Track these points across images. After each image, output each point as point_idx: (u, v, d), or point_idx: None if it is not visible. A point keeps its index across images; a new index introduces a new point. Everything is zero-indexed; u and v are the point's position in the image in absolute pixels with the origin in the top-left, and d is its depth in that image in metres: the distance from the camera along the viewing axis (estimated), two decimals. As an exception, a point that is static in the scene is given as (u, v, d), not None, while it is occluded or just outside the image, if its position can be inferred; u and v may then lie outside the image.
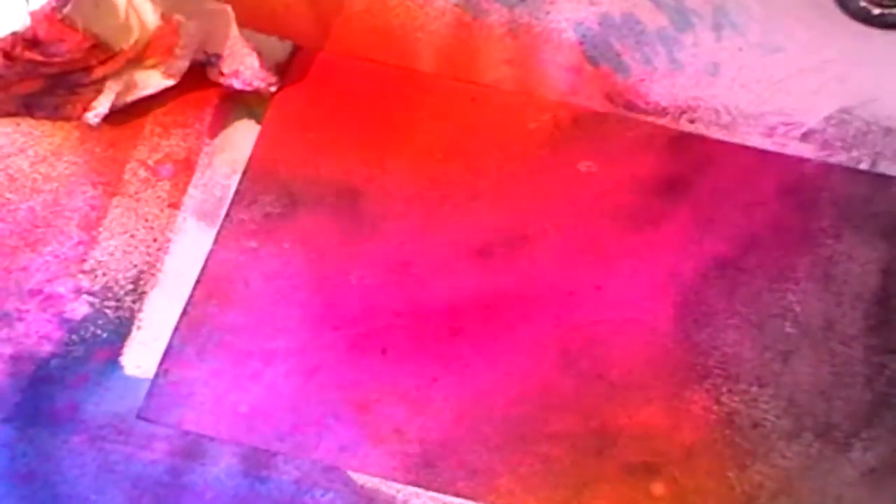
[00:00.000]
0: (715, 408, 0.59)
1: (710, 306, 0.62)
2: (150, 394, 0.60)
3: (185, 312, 0.62)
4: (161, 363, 0.61)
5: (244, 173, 0.66)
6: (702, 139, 0.66)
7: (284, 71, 0.70)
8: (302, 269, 0.63)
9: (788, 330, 0.61)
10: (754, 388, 0.60)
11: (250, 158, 0.67)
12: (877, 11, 0.69)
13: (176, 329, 0.62)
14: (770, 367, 0.60)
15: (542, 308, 0.62)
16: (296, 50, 0.71)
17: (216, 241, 0.64)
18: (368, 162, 0.66)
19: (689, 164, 0.66)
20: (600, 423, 0.59)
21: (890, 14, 0.69)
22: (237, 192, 0.66)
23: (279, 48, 0.71)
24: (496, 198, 0.65)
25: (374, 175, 0.66)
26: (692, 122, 0.67)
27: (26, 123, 0.69)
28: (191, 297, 0.63)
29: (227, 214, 0.65)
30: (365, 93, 0.69)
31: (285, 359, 0.61)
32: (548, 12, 0.72)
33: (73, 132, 0.69)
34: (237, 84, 0.69)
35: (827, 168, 0.65)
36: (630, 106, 0.68)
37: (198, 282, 0.63)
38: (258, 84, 0.69)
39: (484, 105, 0.68)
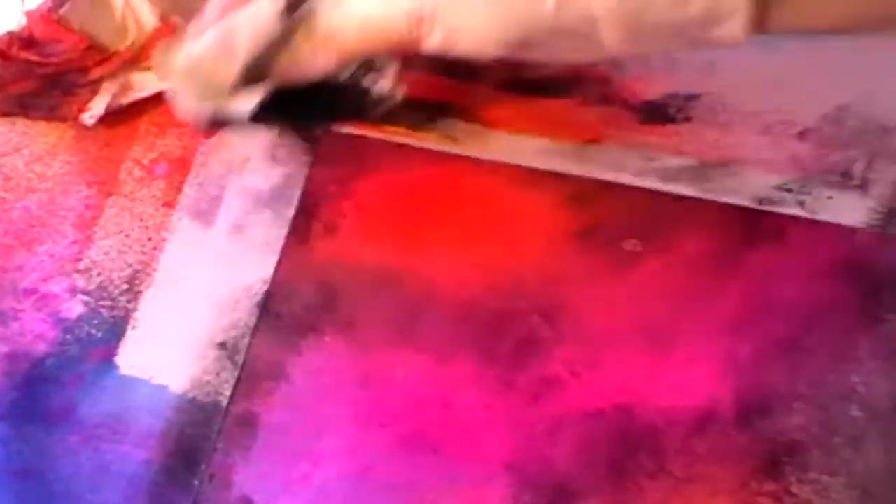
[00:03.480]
0: (786, 499, 0.56)
1: (772, 390, 0.58)
2: (197, 501, 0.59)
3: (227, 413, 0.60)
4: (207, 467, 0.59)
5: (279, 263, 0.64)
6: (749, 213, 0.63)
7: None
8: (345, 364, 0.61)
9: (855, 413, 0.57)
10: (825, 477, 0.56)
11: (283, 248, 0.64)
12: None
13: (220, 431, 0.60)
14: (840, 455, 0.56)
15: (594, 396, 0.59)
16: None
17: (254, 335, 0.62)
18: (408, 247, 0.64)
19: (737, 239, 0.63)
20: None
21: None
22: (273, 284, 0.63)
23: None
24: (541, 282, 0.62)
25: (414, 261, 0.64)
26: (688, 120, 0.67)
27: (21, 123, 0.69)
28: (232, 396, 0.61)
29: (266, 308, 0.63)
30: (400, 176, 0.66)
31: (334, 459, 0.59)
32: (544, 11, 0.72)
33: (68, 131, 0.69)
34: None
35: (882, 238, 0.62)
36: (627, 105, 0.68)
37: (238, 380, 0.61)
38: None
39: (521, 186, 0.65)
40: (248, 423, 0.60)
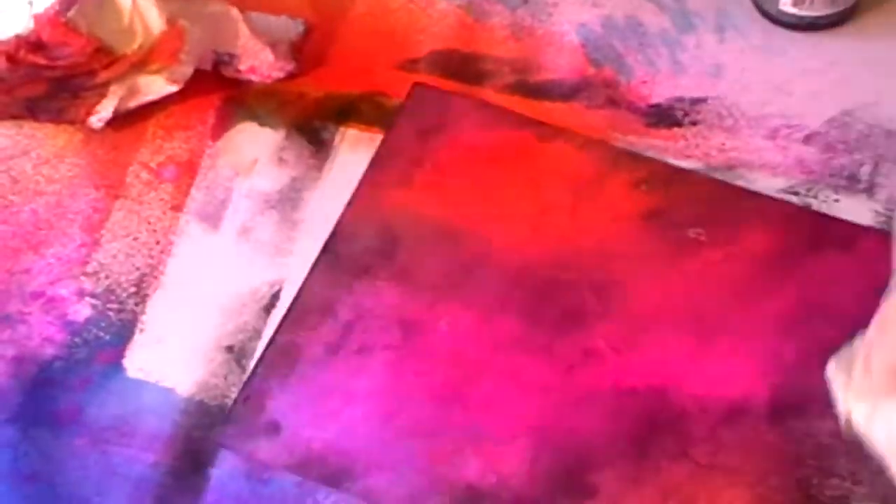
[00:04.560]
0: (803, 500, 0.56)
1: (810, 392, 0.57)
2: (228, 419, 0.59)
3: (272, 341, 0.61)
4: (243, 389, 0.60)
5: (348, 205, 0.65)
6: (821, 217, 0.63)
7: (299, 50, 0.70)
8: (392, 310, 0.62)
9: None
10: (847, 484, 0.56)
11: (356, 191, 0.65)
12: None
13: (261, 358, 0.61)
14: (867, 464, 0.55)
15: (630, 375, 0.59)
16: (309, 29, 0.71)
17: (312, 273, 0.63)
18: (474, 206, 0.64)
19: (802, 241, 0.62)
20: (679, 503, 0.56)
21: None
22: (339, 224, 0.64)
23: (291, 28, 0.71)
24: (598, 256, 0.62)
25: (476, 220, 0.64)
26: (694, 124, 0.67)
27: (29, 126, 0.69)
28: (280, 324, 0.62)
29: (326, 247, 0.63)
30: (481, 135, 0.67)
31: (365, 400, 0.59)
32: (550, 14, 0.72)
33: (76, 134, 0.69)
34: (255, 78, 0.69)
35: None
36: (633, 108, 0.68)
37: (290, 309, 0.62)
38: (276, 75, 0.69)
39: (597, 161, 0.66)
40: (290, 353, 0.61)
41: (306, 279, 0.63)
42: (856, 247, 0.62)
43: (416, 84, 0.69)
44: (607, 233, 0.64)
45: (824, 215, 0.64)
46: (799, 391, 0.58)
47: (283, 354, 0.61)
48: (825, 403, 0.56)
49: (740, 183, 0.65)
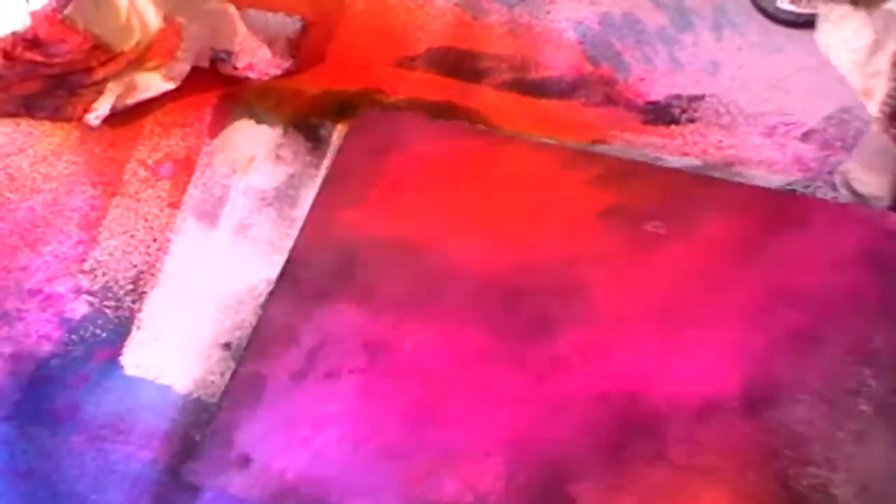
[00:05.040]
0: (782, 493, 0.55)
1: (780, 380, 0.57)
2: (197, 456, 0.59)
3: (236, 372, 0.61)
4: (210, 424, 0.59)
5: (302, 229, 0.64)
6: (777, 195, 0.63)
7: (297, 47, 0.70)
8: (355, 332, 0.61)
9: (863, 408, 0.56)
10: (824, 472, 0.55)
11: (308, 215, 0.65)
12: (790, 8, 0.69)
13: (226, 391, 0.60)
14: (843, 449, 0.55)
15: (600, 379, 0.59)
16: (307, 26, 0.71)
17: (271, 301, 0.62)
18: (430, 221, 0.64)
19: (762, 224, 0.61)
20: None
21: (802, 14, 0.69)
22: (295, 250, 0.64)
23: (289, 25, 0.71)
24: (559, 261, 0.62)
25: (434, 235, 0.63)
26: (692, 121, 0.67)
27: (26, 123, 0.69)
28: (244, 355, 0.61)
29: (283, 273, 0.63)
30: (430, 150, 0.66)
31: (336, 425, 0.59)
32: (548, 12, 0.72)
33: (72, 132, 0.69)
34: (253, 75, 0.69)
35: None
36: (631, 106, 0.68)
37: (251, 340, 0.61)
38: (274, 72, 0.69)
39: (548, 164, 0.65)
40: (255, 383, 0.60)
41: (266, 308, 0.62)
42: (813, 222, 0.61)
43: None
44: (567, 235, 0.63)
45: (778, 193, 0.63)
46: (769, 380, 0.58)
47: (248, 385, 0.60)
48: (797, 389, 0.56)
49: (738, 181, 0.65)
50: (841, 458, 0.56)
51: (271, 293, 0.63)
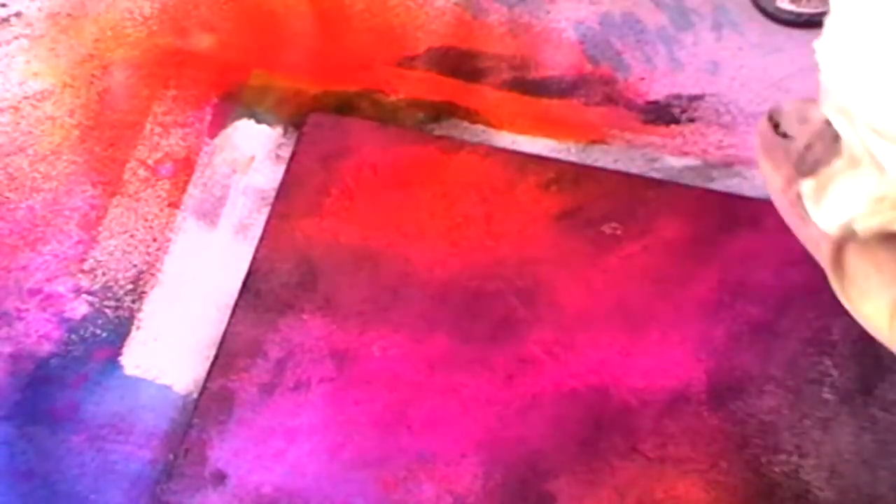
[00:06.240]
0: (756, 480, 0.57)
1: (745, 372, 0.59)
2: (171, 476, 0.59)
3: (204, 388, 0.60)
4: (182, 443, 0.59)
5: (260, 240, 0.64)
6: (728, 198, 0.64)
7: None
8: (322, 342, 0.61)
9: (826, 396, 0.58)
10: (795, 458, 0.57)
11: (266, 226, 0.65)
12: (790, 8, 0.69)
13: (196, 408, 0.60)
14: (810, 436, 0.57)
15: (568, 377, 0.60)
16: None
17: (233, 314, 0.62)
18: (388, 227, 0.64)
19: (715, 224, 0.63)
20: (636, 500, 0.57)
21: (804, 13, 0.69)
22: (254, 262, 0.64)
23: None
24: (519, 263, 0.63)
25: (393, 241, 0.64)
26: (692, 121, 0.67)
27: (26, 122, 0.69)
28: (209, 372, 0.61)
29: (245, 286, 0.63)
30: (383, 156, 0.67)
31: (308, 436, 0.59)
32: (548, 12, 0.72)
33: (72, 131, 0.69)
34: None
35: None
36: (630, 106, 0.68)
37: (216, 357, 0.61)
38: None
39: (503, 168, 0.66)
40: (224, 399, 0.60)
41: (229, 322, 0.62)
42: (764, 222, 0.62)
43: (313, 113, 0.68)
44: (524, 238, 0.64)
45: (731, 195, 0.64)
46: (734, 372, 0.59)
47: (217, 401, 0.60)
48: (762, 380, 0.58)
49: (737, 181, 0.65)
50: (810, 445, 0.58)
51: (234, 306, 0.63)
